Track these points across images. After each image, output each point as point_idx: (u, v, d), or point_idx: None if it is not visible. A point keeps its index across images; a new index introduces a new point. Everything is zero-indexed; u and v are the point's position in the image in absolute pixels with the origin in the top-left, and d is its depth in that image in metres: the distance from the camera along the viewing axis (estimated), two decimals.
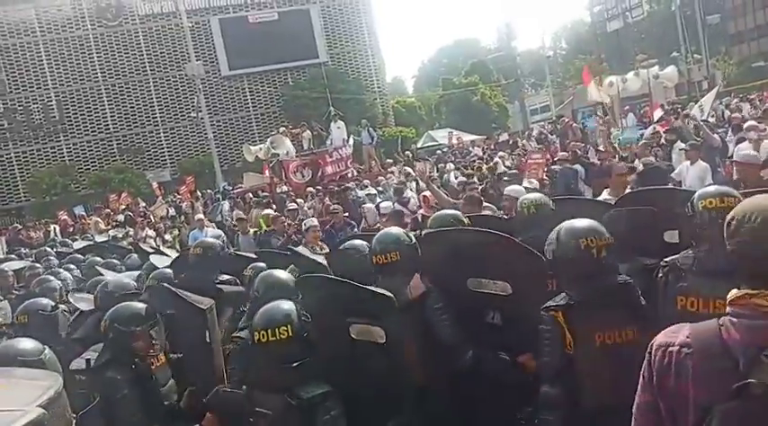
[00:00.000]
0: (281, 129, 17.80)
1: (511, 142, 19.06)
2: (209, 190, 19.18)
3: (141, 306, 3.06)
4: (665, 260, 2.61)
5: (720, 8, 54.00)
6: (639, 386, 1.61)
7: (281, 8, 33.87)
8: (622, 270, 2.70)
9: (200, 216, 10.76)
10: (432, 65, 65.82)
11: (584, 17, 52.58)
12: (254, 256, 4.73)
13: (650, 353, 1.58)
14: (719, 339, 1.46)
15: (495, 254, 3.03)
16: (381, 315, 2.67)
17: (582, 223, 2.58)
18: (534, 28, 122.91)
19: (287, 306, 2.56)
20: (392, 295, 2.72)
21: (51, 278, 5.20)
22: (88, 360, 2.84)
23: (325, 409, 2.41)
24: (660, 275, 2.58)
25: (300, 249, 5.02)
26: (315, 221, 7.33)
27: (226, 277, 4.23)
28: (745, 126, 9.07)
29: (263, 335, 2.45)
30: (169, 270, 4.47)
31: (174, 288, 3.60)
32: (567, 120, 18.52)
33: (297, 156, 15.56)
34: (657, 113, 15.03)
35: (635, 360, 1.68)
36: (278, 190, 14.19)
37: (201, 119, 26.48)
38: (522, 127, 32.18)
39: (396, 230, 3.30)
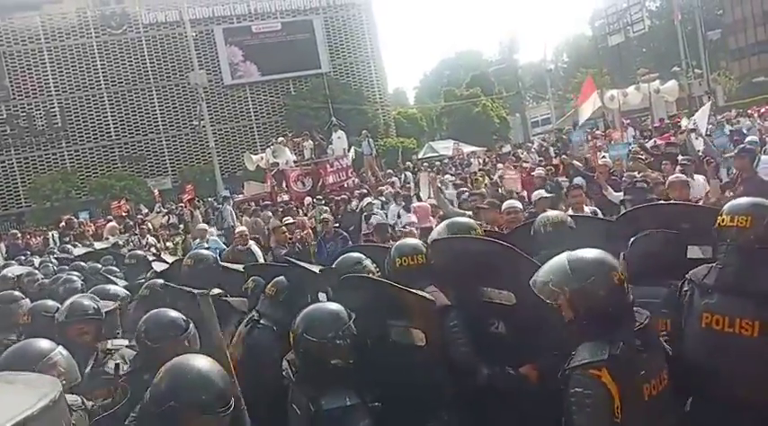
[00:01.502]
0: (282, 139, 17.86)
1: (512, 154, 19.09)
2: (209, 198, 19.19)
3: (175, 315, 2.95)
4: (689, 274, 2.48)
5: (721, 24, 54.39)
6: None
7: (285, 18, 34.11)
8: (659, 296, 2.61)
9: (204, 225, 10.68)
10: (433, 76, 66.10)
11: (586, 31, 52.89)
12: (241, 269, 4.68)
13: None
14: None
15: (500, 264, 3.02)
16: (422, 317, 2.70)
17: (597, 253, 2.20)
18: (536, 41, 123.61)
19: (334, 307, 2.65)
20: (432, 297, 2.78)
21: (75, 278, 5.14)
22: (117, 365, 2.81)
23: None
24: (685, 290, 2.45)
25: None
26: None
27: (217, 290, 4.19)
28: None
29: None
30: (160, 281, 4.40)
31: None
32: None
33: (298, 166, 15.59)
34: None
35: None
36: (279, 199, 14.20)
37: (203, 127, 26.57)
38: (523, 139, 32.26)
39: (414, 240, 3.35)
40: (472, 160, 20.81)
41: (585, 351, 2.03)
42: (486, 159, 19.68)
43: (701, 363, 2.26)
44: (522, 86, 36.95)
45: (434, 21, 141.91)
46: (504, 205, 5.53)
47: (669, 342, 2.33)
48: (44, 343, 2.58)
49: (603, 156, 10.02)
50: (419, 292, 2.72)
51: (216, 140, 28.01)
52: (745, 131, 13.57)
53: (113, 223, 14.33)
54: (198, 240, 9.45)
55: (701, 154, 8.40)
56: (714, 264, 2.43)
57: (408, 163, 20.28)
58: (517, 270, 2.94)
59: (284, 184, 14.78)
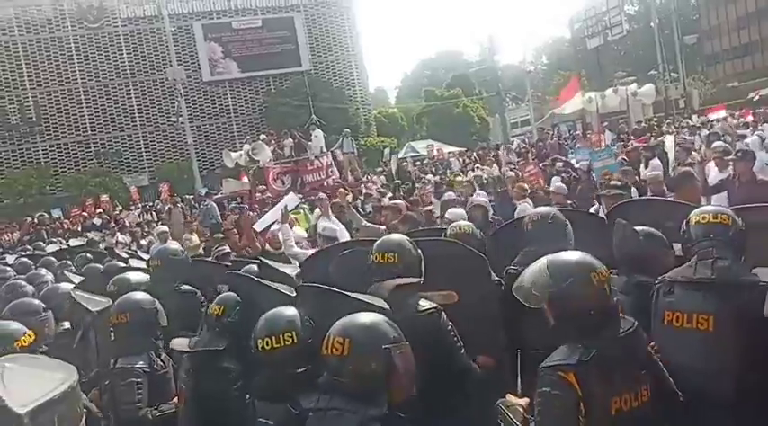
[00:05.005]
0: (262, 136, 17.74)
1: (492, 154, 19.21)
2: (188, 196, 18.97)
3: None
4: (661, 275, 2.52)
5: (697, 29, 55.31)
6: None
7: (266, 15, 33.87)
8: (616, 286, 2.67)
9: (164, 228, 10.49)
10: (414, 76, 66.22)
11: (565, 34, 53.48)
12: (227, 264, 4.65)
13: None
14: None
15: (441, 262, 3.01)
16: None
17: (577, 255, 2.18)
18: (516, 43, 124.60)
19: (290, 312, 2.50)
20: (387, 306, 2.64)
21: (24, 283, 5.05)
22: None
23: None
24: (652, 292, 2.50)
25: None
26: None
27: (186, 287, 4.15)
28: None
29: (266, 342, 2.38)
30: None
31: None
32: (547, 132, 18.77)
33: (277, 164, 15.49)
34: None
35: None
36: (257, 197, 14.09)
37: (182, 124, 26.28)
38: (503, 139, 32.45)
39: (399, 236, 3.16)
40: (452, 160, 20.91)
41: (560, 353, 2.01)
42: (467, 159, 19.77)
43: (665, 360, 2.28)
44: (501, 87, 37.18)
45: (416, 21, 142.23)
46: (447, 214, 5.46)
47: None
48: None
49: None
50: (376, 301, 2.68)
51: (194, 137, 27.73)
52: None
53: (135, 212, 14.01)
54: (157, 243, 9.15)
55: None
56: (688, 264, 2.47)
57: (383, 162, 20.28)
58: (464, 266, 2.96)
59: (263, 182, 14.68)
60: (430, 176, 15.61)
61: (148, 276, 4.20)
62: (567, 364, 1.95)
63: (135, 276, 4.10)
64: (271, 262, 4.32)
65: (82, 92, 31.66)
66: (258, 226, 8.89)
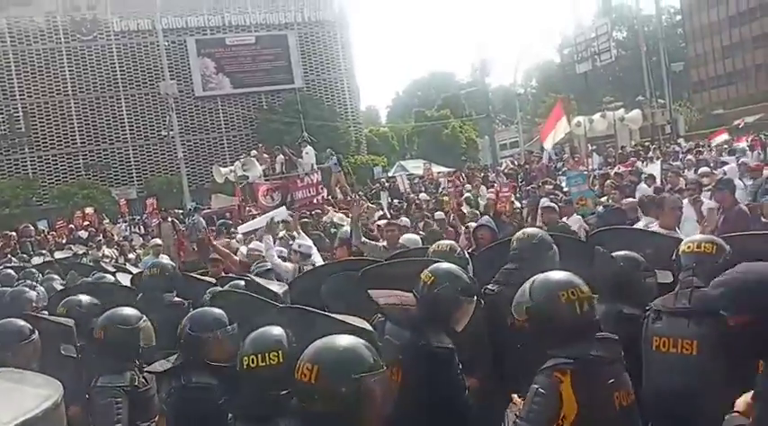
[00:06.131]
0: (253, 152, 17.76)
1: (482, 175, 19.33)
2: (176, 210, 18.87)
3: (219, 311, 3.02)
4: (652, 302, 2.60)
5: (684, 56, 56.44)
6: None
7: (259, 32, 34.11)
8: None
9: (158, 241, 10.41)
10: (406, 96, 66.75)
11: (555, 58, 54.27)
12: (212, 280, 4.64)
13: None
14: None
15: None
16: None
17: (558, 275, 2.31)
18: (507, 65, 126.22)
19: (277, 331, 2.44)
20: (372, 328, 2.63)
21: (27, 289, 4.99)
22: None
23: None
24: (644, 318, 2.60)
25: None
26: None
27: (177, 299, 4.15)
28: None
29: (252, 360, 2.32)
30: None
31: None
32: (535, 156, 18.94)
33: (267, 180, 15.50)
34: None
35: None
36: (246, 213, 14.05)
37: (172, 138, 26.25)
38: (492, 161, 32.72)
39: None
40: (441, 180, 21.00)
41: (554, 358, 2.10)
42: (458, 181, 19.87)
43: (653, 385, 2.33)
44: (491, 109, 37.54)
45: (408, 41, 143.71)
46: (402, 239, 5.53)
47: None
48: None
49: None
50: (359, 323, 2.68)
51: (184, 151, 27.71)
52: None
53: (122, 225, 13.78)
54: (150, 256, 9.10)
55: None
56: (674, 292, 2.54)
57: (379, 183, 20.33)
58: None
59: (253, 198, 14.66)
60: (423, 195, 15.65)
61: (107, 296, 4.12)
62: (566, 363, 2.05)
63: (85, 298, 3.98)
64: (258, 279, 4.32)
65: (73, 103, 31.60)
66: (242, 229, 8.97)
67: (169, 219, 13.20)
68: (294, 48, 34.43)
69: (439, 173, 24.73)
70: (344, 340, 1.96)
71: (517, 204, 9.51)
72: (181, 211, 18.06)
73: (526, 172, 17.42)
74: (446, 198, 13.37)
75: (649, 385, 2.48)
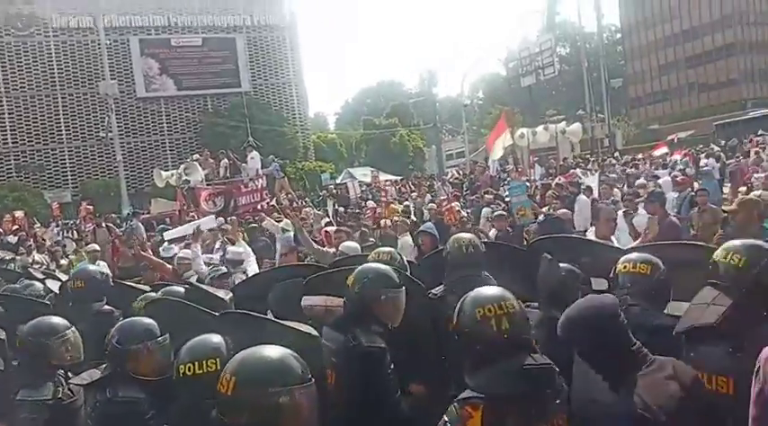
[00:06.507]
0: (195, 156, 17.34)
1: (428, 184, 19.50)
2: (114, 215, 18.19)
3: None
4: None
5: (623, 73, 58.85)
6: (752, 399, 1.84)
7: (206, 34, 33.47)
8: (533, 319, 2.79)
9: (96, 247, 9.98)
10: (355, 104, 66.95)
11: (501, 71, 55.56)
12: (146, 288, 4.46)
13: (758, 367, 1.81)
14: None
15: None
16: (304, 353, 2.55)
17: (484, 290, 2.19)
18: (455, 77, 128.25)
19: (215, 339, 2.40)
20: (316, 333, 2.64)
21: None
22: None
23: None
24: None
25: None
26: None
27: (107, 308, 3.97)
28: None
29: (188, 368, 2.28)
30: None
31: None
32: (479, 165, 19.26)
33: (210, 184, 15.13)
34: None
35: None
36: (187, 219, 13.67)
37: (111, 139, 25.35)
38: (438, 170, 33.12)
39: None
40: (388, 188, 21.08)
41: (469, 388, 1.99)
42: (403, 188, 19.98)
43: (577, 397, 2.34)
44: (439, 119, 38.05)
45: (358, 49, 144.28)
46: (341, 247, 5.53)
47: None
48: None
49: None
50: (302, 327, 2.62)
51: (124, 154, 26.82)
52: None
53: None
54: (84, 262, 8.74)
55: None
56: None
57: (325, 190, 20.22)
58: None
59: (195, 203, 14.27)
60: (371, 202, 15.64)
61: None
62: (477, 398, 1.91)
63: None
64: (202, 286, 4.19)
65: (5, 101, 30.13)
66: (168, 235, 8.77)
67: (104, 224, 12.70)
68: (242, 51, 33.95)
69: (386, 181, 24.85)
70: (270, 351, 1.87)
71: (464, 213, 9.64)
72: (118, 216, 17.45)
73: (471, 181, 17.70)
74: (392, 205, 13.44)
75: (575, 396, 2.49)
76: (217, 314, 3.04)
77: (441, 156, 37.68)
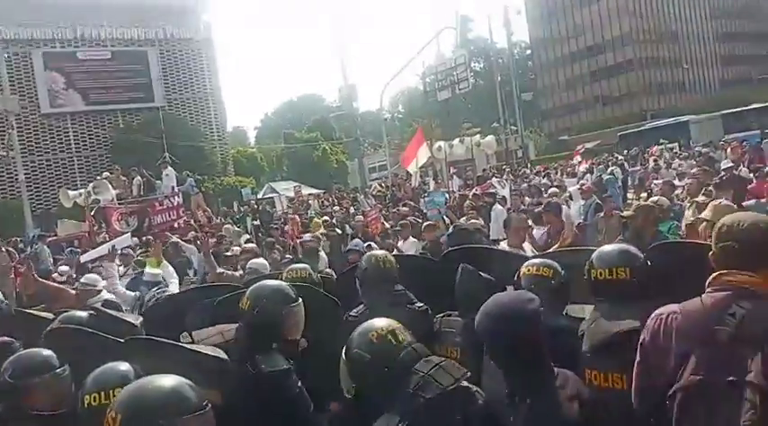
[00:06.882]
0: (105, 174, 16.56)
1: (351, 197, 19.59)
2: (17, 238, 17.03)
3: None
4: None
5: (533, 87, 61.61)
6: (638, 352, 2.00)
7: (116, 47, 32.15)
8: (456, 327, 2.92)
9: None
10: (275, 117, 66.30)
11: (419, 85, 56.83)
12: (49, 316, 4.20)
13: (647, 326, 1.99)
14: (699, 305, 1.90)
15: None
16: (215, 377, 2.46)
17: (372, 322, 2.16)
18: (374, 91, 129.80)
19: (123, 367, 2.32)
20: (226, 356, 2.57)
21: None
22: None
23: None
24: None
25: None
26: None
27: (6, 339, 3.71)
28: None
29: (94, 399, 2.18)
30: None
31: None
32: (401, 178, 19.57)
33: (122, 203, 14.50)
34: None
35: None
36: (98, 240, 13.02)
37: (12, 158, 23.78)
38: (361, 183, 33.30)
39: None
40: (311, 202, 20.99)
41: (382, 421, 1.94)
42: (326, 202, 19.96)
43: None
44: (360, 133, 38.35)
45: (278, 63, 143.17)
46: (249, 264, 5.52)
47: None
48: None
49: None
50: (212, 351, 2.56)
51: (27, 173, 25.25)
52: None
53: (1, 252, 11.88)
54: None
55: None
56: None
57: (247, 206, 19.81)
58: (315, 309, 2.97)
59: (106, 223, 13.61)
60: (296, 216, 15.50)
61: None
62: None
63: None
64: (110, 311, 3.99)
65: None
66: (84, 258, 8.50)
67: (3, 249, 11.86)
68: (155, 64, 32.83)
69: (309, 194, 24.72)
70: (158, 382, 1.77)
71: (387, 225, 9.76)
72: (21, 239, 16.38)
73: (392, 194, 17.94)
74: (316, 219, 13.40)
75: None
76: (122, 340, 2.91)
77: (363, 170, 37.94)
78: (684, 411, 1.84)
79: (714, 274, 1.94)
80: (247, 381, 2.57)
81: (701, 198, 7.19)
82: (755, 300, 1.83)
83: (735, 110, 32.41)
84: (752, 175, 9.24)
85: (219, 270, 6.09)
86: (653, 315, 2.00)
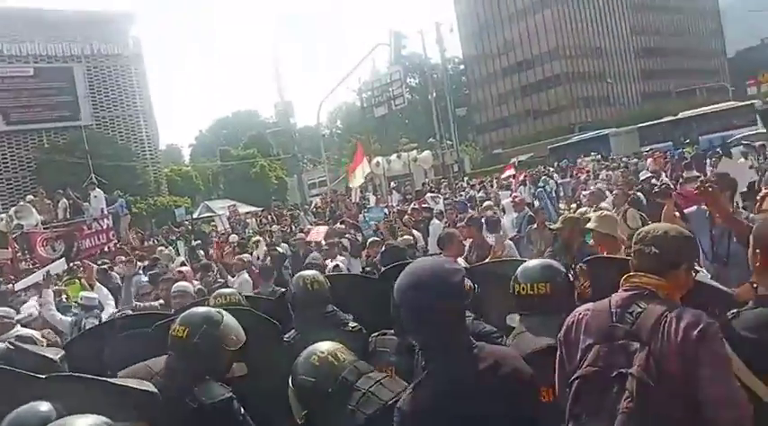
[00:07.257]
0: (29, 197, 15.78)
1: (290, 214, 19.38)
2: None
3: None
4: None
5: (467, 102, 63.18)
6: (558, 346, 2.18)
7: (39, 64, 30.74)
8: (391, 346, 2.96)
9: None
10: (210, 134, 65.04)
11: (357, 100, 57.19)
12: None
13: (566, 321, 2.17)
14: (606, 304, 2.09)
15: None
16: (145, 411, 2.37)
17: (316, 345, 2.27)
18: (311, 106, 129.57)
19: (44, 407, 2.17)
20: (155, 389, 2.46)
21: None
22: None
23: None
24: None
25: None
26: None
27: None
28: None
29: None
30: None
31: None
32: (339, 193, 19.56)
33: (47, 228, 13.83)
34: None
35: None
36: (22, 267, 12.36)
37: None
38: (301, 199, 33.04)
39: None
40: (248, 221, 20.64)
41: None
42: (264, 219, 19.67)
43: None
44: (297, 149, 38.14)
45: (211, 79, 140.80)
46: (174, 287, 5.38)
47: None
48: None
49: None
50: (141, 385, 2.47)
51: None
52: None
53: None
54: None
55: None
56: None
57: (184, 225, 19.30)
58: (254, 333, 2.93)
59: (30, 249, 12.93)
60: (234, 236, 15.17)
61: None
62: None
63: None
64: (27, 346, 3.77)
65: None
66: (18, 286, 8.33)
67: None
68: (81, 81, 31.56)
69: (247, 213, 24.30)
70: (76, 423, 1.73)
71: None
72: None
73: (332, 210, 17.88)
74: (255, 238, 13.17)
75: None
76: (43, 377, 2.75)
77: (303, 186, 37.69)
78: (576, 398, 2.01)
79: (626, 275, 2.13)
80: (190, 417, 2.48)
81: (603, 204, 7.66)
82: (654, 301, 2.02)
83: (650, 123, 34.36)
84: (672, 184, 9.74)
85: (135, 303, 6.07)
86: (571, 314, 2.19)
